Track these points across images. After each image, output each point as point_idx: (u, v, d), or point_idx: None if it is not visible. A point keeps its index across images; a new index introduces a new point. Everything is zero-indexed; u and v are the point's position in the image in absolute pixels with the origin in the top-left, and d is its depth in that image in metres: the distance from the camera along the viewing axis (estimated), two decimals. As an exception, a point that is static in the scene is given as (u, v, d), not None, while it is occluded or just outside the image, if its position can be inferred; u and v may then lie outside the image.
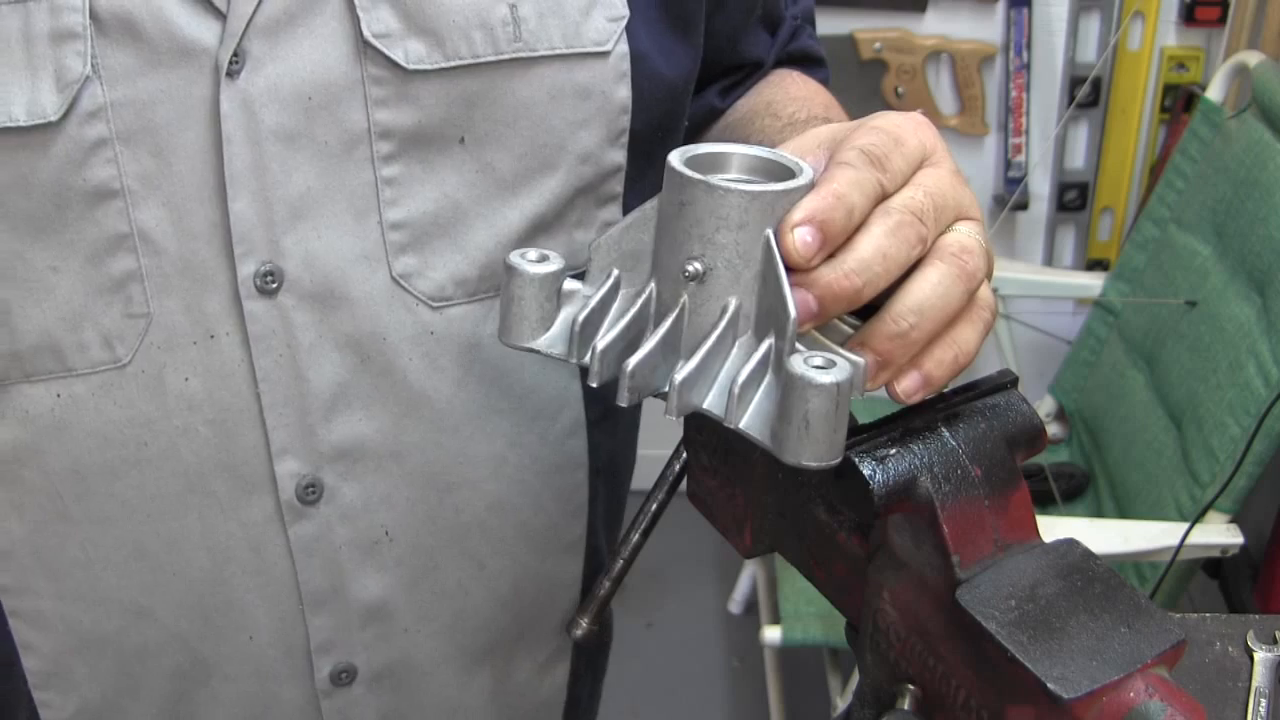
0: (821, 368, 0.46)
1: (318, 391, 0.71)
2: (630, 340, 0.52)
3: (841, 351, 0.50)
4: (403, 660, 0.82)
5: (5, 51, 0.61)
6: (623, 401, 0.50)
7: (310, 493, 0.73)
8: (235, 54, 0.63)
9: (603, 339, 0.51)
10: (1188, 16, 2.16)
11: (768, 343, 0.50)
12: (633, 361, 0.49)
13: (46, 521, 0.73)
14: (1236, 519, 1.56)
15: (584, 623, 0.67)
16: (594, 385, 0.51)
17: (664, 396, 0.50)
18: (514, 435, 0.78)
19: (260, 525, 0.74)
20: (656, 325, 0.52)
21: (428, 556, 0.79)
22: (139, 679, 0.79)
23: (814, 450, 0.47)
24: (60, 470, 0.71)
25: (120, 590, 0.75)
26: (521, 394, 0.77)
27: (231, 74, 0.63)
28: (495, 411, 0.76)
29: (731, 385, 0.49)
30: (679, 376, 0.49)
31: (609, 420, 0.84)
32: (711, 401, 0.50)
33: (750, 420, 0.49)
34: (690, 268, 0.50)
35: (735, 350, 0.51)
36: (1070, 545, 0.53)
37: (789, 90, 0.84)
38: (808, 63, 0.92)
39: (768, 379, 0.49)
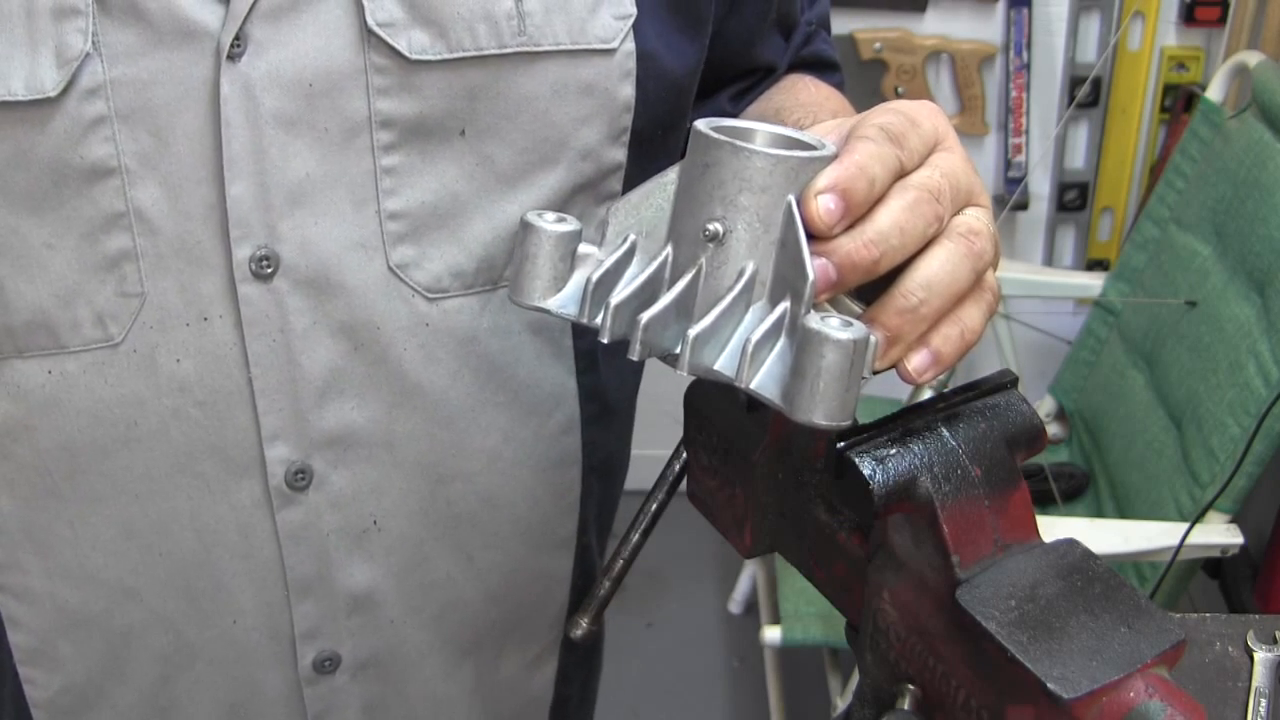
0: (839, 326, 0.46)
1: (310, 378, 0.71)
2: (645, 299, 0.52)
3: (857, 322, 0.50)
4: (388, 650, 0.82)
5: (6, 26, 0.61)
6: (634, 355, 0.50)
7: (300, 479, 0.74)
8: (237, 37, 0.63)
9: (617, 295, 0.51)
10: (1188, 16, 2.16)
11: (783, 306, 0.50)
12: (647, 315, 0.50)
13: (36, 498, 0.73)
14: (1236, 519, 1.56)
15: (584, 623, 0.67)
16: (604, 341, 0.51)
17: (673, 361, 0.50)
18: (509, 430, 0.78)
19: (248, 509, 0.74)
20: (672, 286, 0.52)
21: (417, 548, 0.79)
22: (124, 661, 0.79)
23: (826, 408, 0.47)
24: (51, 447, 0.71)
25: (107, 570, 0.75)
26: (517, 389, 0.77)
27: (233, 57, 0.63)
28: (490, 405, 0.76)
29: (745, 345, 0.49)
30: (693, 332, 0.49)
31: (604, 418, 0.84)
32: (723, 363, 0.50)
33: (762, 381, 0.49)
34: (710, 228, 0.51)
35: (749, 315, 0.51)
36: (1070, 545, 0.53)
37: (798, 96, 0.84)
38: (821, 67, 0.91)
39: (781, 342, 0.50)
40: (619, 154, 0.73)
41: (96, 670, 0.80)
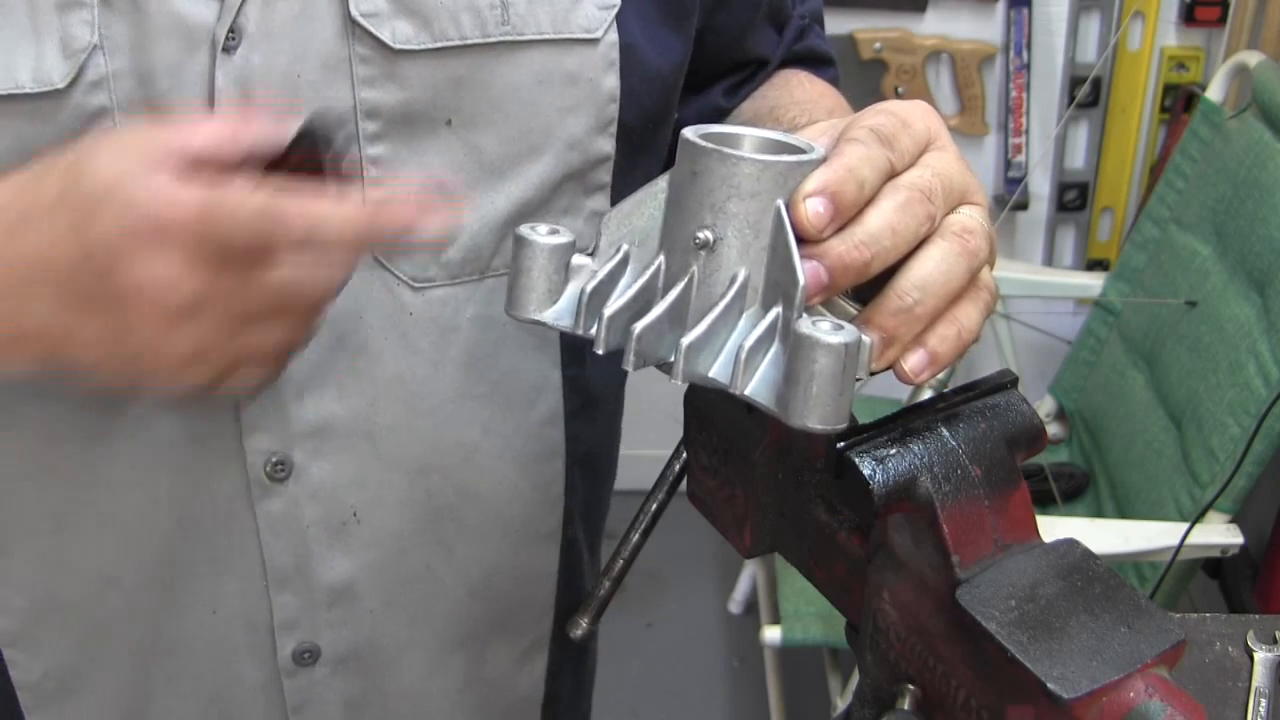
0: (830, 330, 0.46)
1: (291, 368, 0.71)
2: (639, 309, 0.52)
3: (849, 326, 0.50)
4: (368, 644, 0.82)
5: (10, 17, 0.61)
6: (628, 366, 0.50)
7: (279, 470, 0.74)
8: (231, 30, 0.63)
9: (611, 306, 0.51)
10: (1188, 16, 2.16)
11: (775, 311, 0.50)
12: (640, 325, 0.50)
13: (18, 483, 0.73)
14: (1236, 519, 1.56)
15: (584, 623, 0.67)
16: (600, 353, 0.52)
17: (668, 370, 0.50)
18: (489, 422, 0.78)
19: (228, 500, 0.74)
20: (665, 294, 0.52)
21: (396, 540, 0.79)
22: (103, 648, 0.79)
23: (820, 412, 0.47)
24: (34, 434, 0.71)
25: (87, 557, 0.75)
26: (498, 380, 0.77)
27: (228, 50, 0.64)
28: (471, 397, 0.76)
29: (738, 352, 0.49)
30: (686, 340, 0.49)
31: (588, 411, 0.84)
32: (717, 370, 0.50)
33: (756, 387, 0.49)
34: (701, 235, 0.51)
35: (742, 322, 0.51)
36: (1070, 545, 0.53)
37: (794, 93, 0.84)
38: (816, 62, 0.91)
39: (774, 348, 0.50)
40: (606, 145, 0.73)
41: (76, 656, 0.79)
